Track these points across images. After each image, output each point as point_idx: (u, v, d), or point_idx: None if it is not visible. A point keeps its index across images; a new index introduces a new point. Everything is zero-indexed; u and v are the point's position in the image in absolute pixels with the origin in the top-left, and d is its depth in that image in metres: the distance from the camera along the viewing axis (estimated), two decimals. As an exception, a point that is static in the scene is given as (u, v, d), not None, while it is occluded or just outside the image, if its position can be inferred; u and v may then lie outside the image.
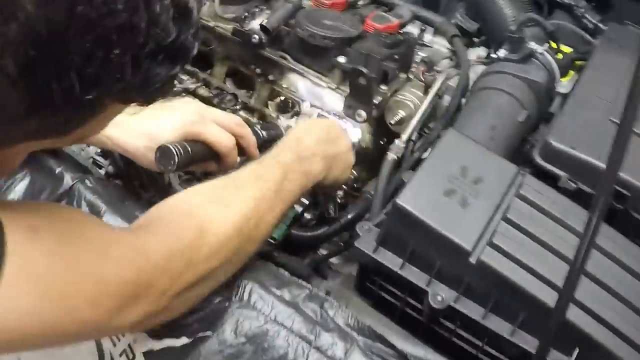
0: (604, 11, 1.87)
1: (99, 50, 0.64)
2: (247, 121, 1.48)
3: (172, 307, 0.98)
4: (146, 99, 0.77)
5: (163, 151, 1.20)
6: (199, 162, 1.28)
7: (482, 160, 1.20)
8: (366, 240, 1.16)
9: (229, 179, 1.14)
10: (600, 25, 1.79)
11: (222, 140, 1.27)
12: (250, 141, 1.34)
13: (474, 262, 1.06)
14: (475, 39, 1.82)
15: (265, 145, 1.35)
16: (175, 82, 1.68)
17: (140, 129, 1.25)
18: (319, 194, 1.45)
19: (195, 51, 0.76)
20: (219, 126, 1.28)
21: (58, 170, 1.28)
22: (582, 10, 1.83)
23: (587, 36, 1.76)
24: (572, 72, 1.66)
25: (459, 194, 1.12)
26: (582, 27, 1.81)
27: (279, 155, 1.22)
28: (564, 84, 1.60)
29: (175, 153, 1.19)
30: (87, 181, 1.27)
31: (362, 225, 1.18)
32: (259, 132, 1.39)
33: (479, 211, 1.11)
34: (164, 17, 0.68)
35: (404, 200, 1.10)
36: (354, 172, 1.50)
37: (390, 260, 1.14)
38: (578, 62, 1.67)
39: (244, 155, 1.34)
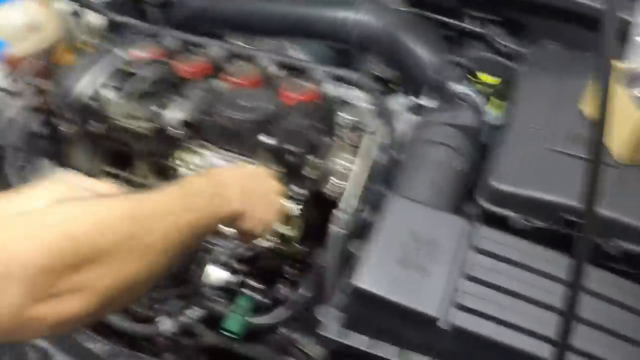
0: (519, 34, 1.85)
1: None
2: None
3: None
4: None
5: None
6: None
7: (430, 221, 1.16)
8: (330, 325, 1.13)
9: None
10: (519, 49, 1.78)
11: None
12: None
13: (446, 328, 1.03)
14: (393, 86, 1.79)
15: None
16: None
17: None
18: (248, 239, 1.30)
19: None
20: None
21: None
22: (497, 37, 1.82)
23: (508, 62, 1.75)
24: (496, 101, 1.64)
25: (414, 261, 1.08)
26: (501, 53, 1.80)
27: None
28: (492, 115, 1.57)
29: None
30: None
31: (322, 310, 1.14)
32: None
33: (439, 274, 1.08)
34: None
35: (361, 280, 1.07)
36: (303, 247, 1.45)
37: (357, 341, 1.12)
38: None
39: None
